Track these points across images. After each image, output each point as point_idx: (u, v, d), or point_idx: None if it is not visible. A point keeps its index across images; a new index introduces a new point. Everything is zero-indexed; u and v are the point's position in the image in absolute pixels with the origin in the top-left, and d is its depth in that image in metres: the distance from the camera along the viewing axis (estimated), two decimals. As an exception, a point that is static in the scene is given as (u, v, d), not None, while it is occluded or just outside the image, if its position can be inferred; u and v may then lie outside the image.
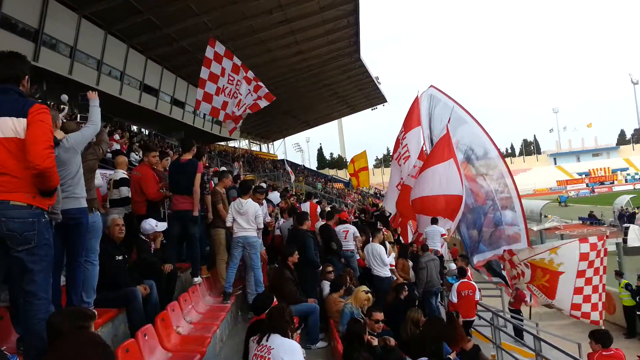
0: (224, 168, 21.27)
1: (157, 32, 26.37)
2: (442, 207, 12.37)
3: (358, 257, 9.95)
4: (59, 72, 21.85)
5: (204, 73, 8.46)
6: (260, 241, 7.57)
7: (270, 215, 9.44)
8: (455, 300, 9.44)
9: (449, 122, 12.83)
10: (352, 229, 10.10)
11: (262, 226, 6.98)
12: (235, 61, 8.57)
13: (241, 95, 8.50)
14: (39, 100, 3.62)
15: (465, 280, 9.76)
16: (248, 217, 6.74)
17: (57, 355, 2.09)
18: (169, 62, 31.17)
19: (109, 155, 11.32)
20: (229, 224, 6.80)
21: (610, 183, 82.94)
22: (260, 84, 8.53)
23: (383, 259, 9.03)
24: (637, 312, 12.27)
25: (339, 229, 9.98)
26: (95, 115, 4.27)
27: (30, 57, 19.58)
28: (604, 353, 5.85)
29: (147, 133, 35.00)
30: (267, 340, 3.61)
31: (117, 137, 18.66)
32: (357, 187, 28.33)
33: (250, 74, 8.56)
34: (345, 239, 9.77)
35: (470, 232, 11.64)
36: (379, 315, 5.77)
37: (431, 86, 13.19)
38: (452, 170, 12.23)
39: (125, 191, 6.50)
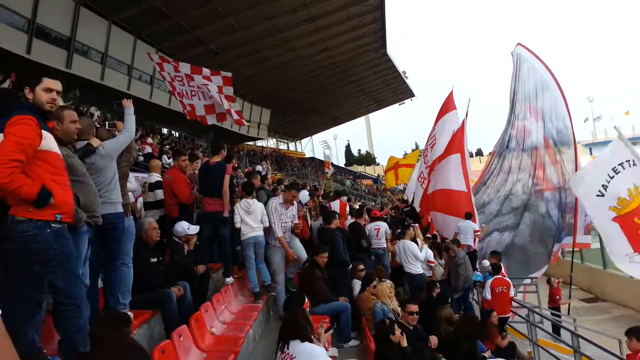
0: (258, 167, 21.52)
1: (184, 36, 26.76)
2: (451, 203, 12.31)
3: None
4: (91, 79, 22.46)
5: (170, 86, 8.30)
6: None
7: (298, 217, 9.44)
8: (489, 297, 9.28)
9: (466, 116, 12.64)
10: (384, 226, 10.07)
11: (267, 225, 6.96)
12: (182, 68, 8.05)
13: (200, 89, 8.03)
14: (65, 107, 3.65)
15: (499, 276, 9.59)
16: (256, 216, 6.80)
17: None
18: (197, 64, 31.46)
19: (141, 158, 11.59)
20: (237, 225, 6.77)
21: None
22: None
23: (416, 255, 8.96)
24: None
25: (371, 226, 9.97)
26: (129, 123, 4.40)
27: (62, 65, 20.30)
28: (646, 353, 5.64)
29: (177, 135, 35.60)
30: (288, 348, 3.56)
31: (150, 140, 19.04)
32: (396, 183, 27.75)
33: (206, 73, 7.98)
34: (377, 237, 9.76)
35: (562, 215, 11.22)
36: (413, 307, 5.73)
37: (519, 44, 12.40)
38: (456, 164, 12.15)
39: (160, 194, 6.68)
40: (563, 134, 11.26)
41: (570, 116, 10.94)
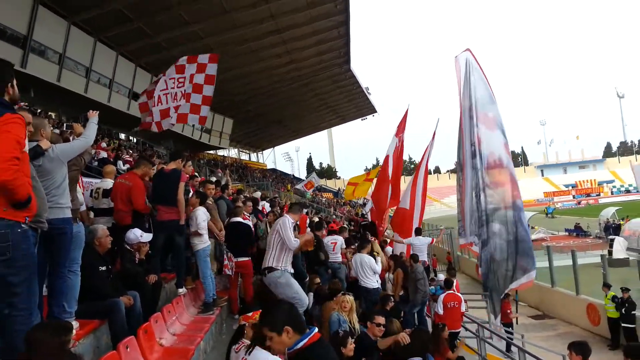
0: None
1: (147, 40, 26.36)
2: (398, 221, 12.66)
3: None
4: (47, 79, 21.73)
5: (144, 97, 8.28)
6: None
7: (258, 226, 9.37)
8: (441, 312, 9.47)
9: (433, 137, 12.98)
10: (341, 240, 10.12)
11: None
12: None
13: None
14: (20, 108, 3.57)
15: (451, 291, 9.80)
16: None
17: None
18: (159, 70, 30.87)
19: (95, 163, 11.25)
20: (203, 231, 6.70)
21: (597, 195, 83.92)
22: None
23: (373, 268, 9.03)
24: (622, 324, 12.36)
25: (327, 240, 9.99)
26: (90, 130, 4.37)
27: (18, 64, 19.53)
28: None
29: (135, 141, 34.79)
30: (249, 354, 3.53)
31: (104, 145, 18.51)
32: (351, 196, 28.06)
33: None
34: (333, 250, 9.78)
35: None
36: (380, 319, 5.72)
37: (468, 49, 12.05)
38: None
39: (113, 200, 6.45)
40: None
41: (506, 141, 11.30)
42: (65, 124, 5.27)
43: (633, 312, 12.21)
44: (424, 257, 12.15)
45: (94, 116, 4.51)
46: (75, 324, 3.96)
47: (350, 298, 6.46)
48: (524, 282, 10.73)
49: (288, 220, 6.22)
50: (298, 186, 27.56)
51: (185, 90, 8.04)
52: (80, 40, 23.54)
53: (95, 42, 24.65)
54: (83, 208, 6.07)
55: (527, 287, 11.28)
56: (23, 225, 2.95)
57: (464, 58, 11.48)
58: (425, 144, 14.22)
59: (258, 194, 20.60)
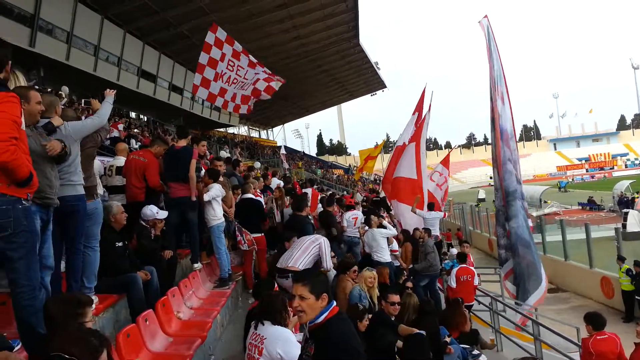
0: (222, 153, 21.24)
1: (154, 17, 26.14)
2: (405, 190, 12.46)
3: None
4: (56, 58, 21.72)
5: (203, 58, 8.32)
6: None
7: (265, 204, 9.40)
8: (454, 285, 9.49)
9: (429, 109, 12.78)
10: (361, 215, 10.15)
11: None
12: (236, 47, 8.42)
13: (246, 80, 8.41)
14: (29, 87, 3.54)
15: (465, 265, 9.81)
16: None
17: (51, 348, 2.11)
18: (167, 48, 30.96)
19: (107, 142, 11.29)
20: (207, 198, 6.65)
21: (610, 168, 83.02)
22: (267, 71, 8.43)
23: (388, 234, 9.12)
24: (637, 297, 12.36)
25: (349, 215, 10.04)
26: (104, 109, 4.36)
27: (26, 43, 19.51)
28: (598, 337, 5.86)
29: (145, 119, 34.89)
30: (260, 327, 3.57)
31: (121, 127, 18.45)
32: (360, 171, 28.07)
33: (253, 60, 8.45)
34: (355, 225, 9.83)
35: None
36: (395, 297, 5.76)
37: (486, 17, 11.03)
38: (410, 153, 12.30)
39: (127, 177, 6.48)
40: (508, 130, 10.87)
41: (512, 115, 10.77)
42: (83, 100, 5.34)
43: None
44: (436, 231, 12.18)
45: (110, 95, 4.51)
46: (95, 299, 4.02)
47: (373, 273, 6.50)
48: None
49: (328, 245, 6.56)
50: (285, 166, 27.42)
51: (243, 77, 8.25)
52: (87, 18, 23.40)
53: (102, 20, 24.50)
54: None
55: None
56: (24, 202, 2.98)
57: (485, 25, 10.84)
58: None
59: (224, 155, 20.57)
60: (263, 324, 3.57)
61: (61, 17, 21.86)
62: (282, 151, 28.27)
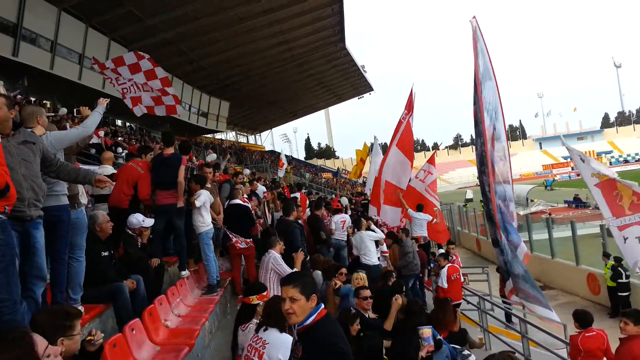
0: (210, 157, 21.12)
1: (139, 25, 26.01)
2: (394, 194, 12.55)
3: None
4: (40, 67, 21.51)
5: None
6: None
7: (256, 211, 9.38)
8: (446, 285, 9.38)
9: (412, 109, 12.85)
10: (348, 219, 10.18)
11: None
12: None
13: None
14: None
15: (451, 264, 9.83)
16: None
17: None
18: (152, 54, 30.73)
19: (93, 150, 11.21)
20: (199, 204, 6.61)
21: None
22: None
23: (376, 237, 9.18)
24: (619, 293, 12.56)
25: (337, 219, 10.05)
26: (92, 119, 4.33)
27: (9, 53, 19.30)
28: (586, 335, 5.93)
29: (132, 127, 34.65)
30: (263, 332, 3.55)
31: (102, 133, 18.22)
32: (359, 173, 28.02)
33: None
34: (342, 229, 9.84)
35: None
36: (366, 292, 5.82)
37: (474, 17, 10.86)
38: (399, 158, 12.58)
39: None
40: (498, 131, 10.79)
41: (503, 114, 10.71)
42: (75, 109, 5.33)
43: (627, 280, 12.40)
44: (423, 232, 12.23)
45: (102, 104, 4.45)
46: (81, 309, 3.99)
47: (363, 275, 6.54)
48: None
49: (278, 257, 6.33)
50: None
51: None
52: (71, 26, 23.20)
53: (87, 28, 24.31)
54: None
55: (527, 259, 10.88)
56: (1, 215, 2.91)
57: (474, 25, 10.76)
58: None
59: (212, 157, 20.45)
60: (266, 330, 3.55)
61: (45, 25, 21.64)
62: (283, 157, 27.49)
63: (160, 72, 7.49)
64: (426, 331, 5.09)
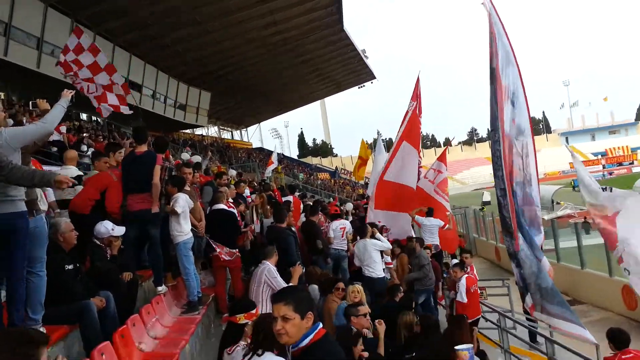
0: (185, 155, 21.12)
1: (126, 19, 27.15)
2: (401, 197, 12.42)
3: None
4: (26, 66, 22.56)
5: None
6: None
7: (242, 216, 9.36)
8: (465, 300, 9.30)
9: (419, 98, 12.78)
10: (349, 225, 10.18)
11: None
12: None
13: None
14: None
15: (469, 274, 9.79)
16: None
17: None
18: (139, 50, 31.49)
19: (55, 149, 11.15)
20: (180, 211, 6.61)
21: (630, 163, 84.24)
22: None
23: (382, 247, 9.26)
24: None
25: (336, 225, 10.03)
26: (53, 113, 4.31)
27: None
28: (622, 357, 5.94)
29: (99, 121, 34.51)
30: (258, 358, 3.49)
31: (63, 129, 18.15)
32: (358, 173, 28.09)
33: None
34: (342, 237, 9.85)
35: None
36: (364, 309, 5.81)
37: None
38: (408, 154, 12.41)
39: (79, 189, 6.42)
40: (523, 125, 10.86)
41: (527, 105, 10.71)
42: (31, 102, 5.35)
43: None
44: (435, 239, 12.23)
45: (66, 96, 4.43)
46: (42, 331, 3.96)
47: (359, 288, 6.54)
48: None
49: (273, 269, 6.36)
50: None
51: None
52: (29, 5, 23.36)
53: (72, 23, 24.43)
54: (52, 198, 6.08)
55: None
56: None
57: (489, 6, 10.79)
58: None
59: (186, 156, 20.48)
60: (260, 355, 3.50)
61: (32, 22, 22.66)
62: (274, 158, 27.01)
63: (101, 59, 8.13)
64: (464, 353, 5.04)
